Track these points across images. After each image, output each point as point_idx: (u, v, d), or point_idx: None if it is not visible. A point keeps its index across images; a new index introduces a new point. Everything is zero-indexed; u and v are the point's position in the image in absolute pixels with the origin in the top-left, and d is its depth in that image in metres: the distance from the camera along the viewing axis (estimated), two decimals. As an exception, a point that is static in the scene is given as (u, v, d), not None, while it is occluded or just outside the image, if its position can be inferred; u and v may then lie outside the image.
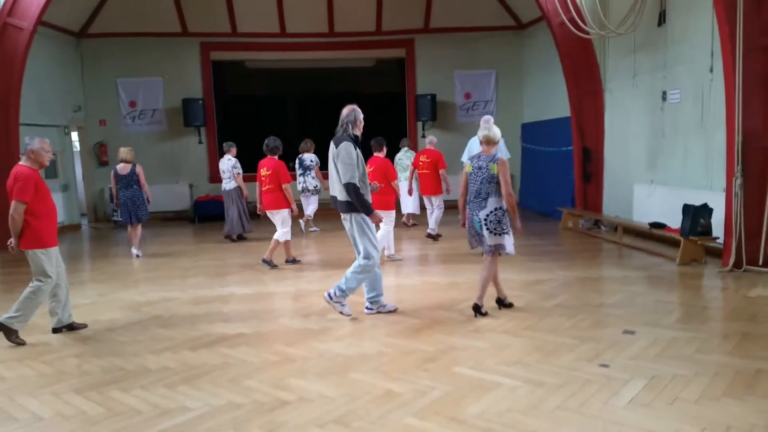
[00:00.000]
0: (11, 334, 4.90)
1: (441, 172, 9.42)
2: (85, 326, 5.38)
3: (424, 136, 14.41)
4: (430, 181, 9.55)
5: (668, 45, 8.65)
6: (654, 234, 8.45)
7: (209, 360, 4.46)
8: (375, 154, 8.13)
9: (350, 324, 5.25)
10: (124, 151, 9.13)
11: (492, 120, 8.24)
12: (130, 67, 13.76)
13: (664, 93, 8.81)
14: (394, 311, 5.51)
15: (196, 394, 3.83)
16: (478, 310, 5.28)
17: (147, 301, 6.35)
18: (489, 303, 5.47)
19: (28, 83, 10.50)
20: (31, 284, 4.99)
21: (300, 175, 10.73)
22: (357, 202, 5.12)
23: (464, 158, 8.25)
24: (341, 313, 5.31)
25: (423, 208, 10.24)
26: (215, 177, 12.80)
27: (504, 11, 13.83)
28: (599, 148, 10.62)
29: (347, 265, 5.67)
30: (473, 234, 5.38)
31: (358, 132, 5.27)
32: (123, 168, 9.04)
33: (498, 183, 5.12)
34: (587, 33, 9.18)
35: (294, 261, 8.05)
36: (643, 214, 9.11)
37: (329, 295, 5.28)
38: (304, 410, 3.54)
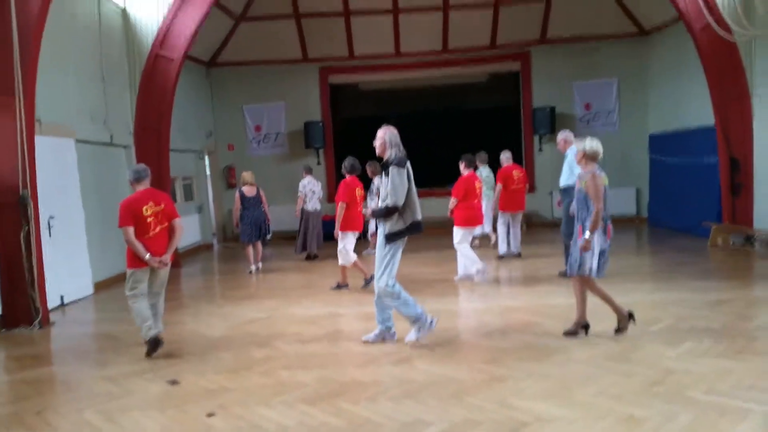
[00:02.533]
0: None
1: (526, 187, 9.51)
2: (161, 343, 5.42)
3: (541, 150, 14.21)
4: (522, 197, 9.42)
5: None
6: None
7: (415, 376, 4.49)
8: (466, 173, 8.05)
9: (545, 342, 5.14)
10: (248, 175, 9.67)
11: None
12: (254, 93, 14.45)
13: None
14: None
15: (425, 409, 3.85)
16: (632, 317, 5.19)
17: (317, 315, 6.52)
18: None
19: (170, 111, 11.27)
20: (163, 294, 5.58)
21: (371, 200, 10.29)
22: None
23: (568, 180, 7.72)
24: (425, 332, 5.19)
25: None
26: (333, 197, 13.17)
27: (625, 17, 13.37)
28: (748, 157, 9.97)
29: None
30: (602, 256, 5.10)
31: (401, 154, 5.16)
32: (249, 190, 9.47)
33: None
34: (732, 34, 8.69)
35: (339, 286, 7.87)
36: (810, 228, 8.45)
37: (410, 340, 5.22)
38: (551, 430, 3.46)
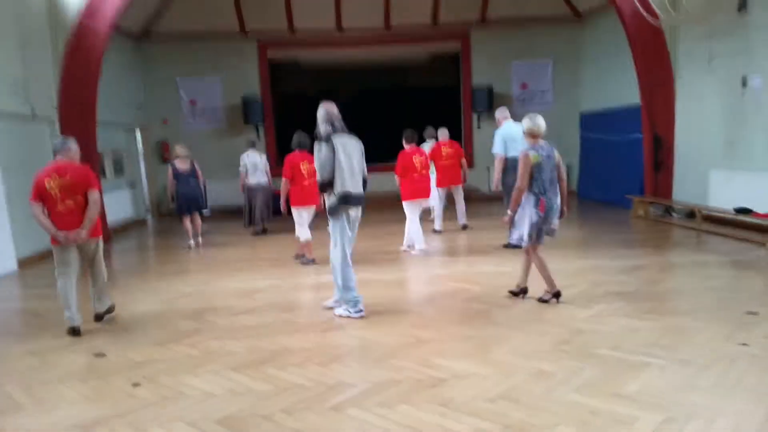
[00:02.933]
0: None
1: (463, 161, 9.68)
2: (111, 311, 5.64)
3: (479, 127, 14.51)
4: (455, 172, 9.63)
5: (749, 31, 8.54)
6: (735, 220, 8.37)
7: (345, 342, 4.62)
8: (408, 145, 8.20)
9: (470, 306, 5.36)
10: (181, 149, 9.54)
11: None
12: (189, 66, 14.07)
13: (744, 78, 8.71)
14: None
15: (350, 372, 3.99)
16: (558, 296, 5.36)
17: (255, 288, 6.54)
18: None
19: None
20: (102, 269, 5.45)
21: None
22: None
23: (500, 150, 8.07)
24: (346, 314, 5.27)
25: None
26: (273, 173, 13.08)
27: (561, 1, 13.75)
28: (670, 135, 10.54)
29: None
30: (549, 222, 5.34)
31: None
32: (182, 163, 9.40)
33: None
34: (659, 20, 9.10)
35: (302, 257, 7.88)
36: (720, 200, 9.04)
37: (339, 314, 5.29)
38: (464, 386, 3.66)
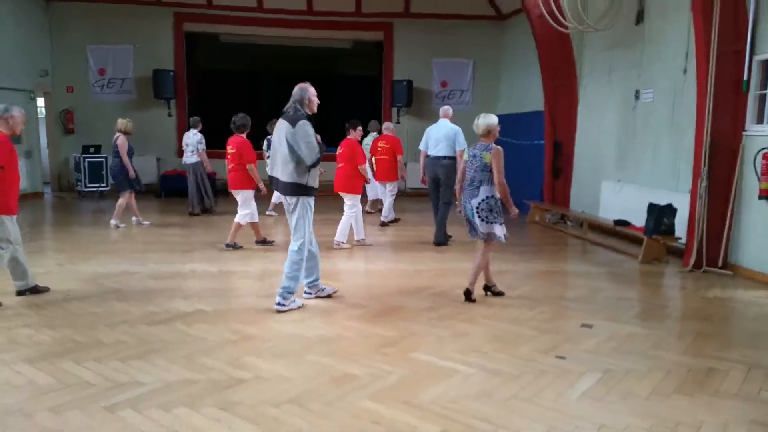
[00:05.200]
0: None
1: (399, 158, 9.59)
2: (47, 290, 5.41)
3: (398, 122, 14.40)
4: (387, 167, 9.59)
5: (645, 44, 8.72)
6: (618, 231, 8.58)
7: (165, 336, 4.37)
8: (348, 136, 8.05)
9: (312, 306, 5.21)
10: (129, 123, 9.25)
11: (451, 110, 8.34)
12: (100, 33, 13.35)
13: (637, 92, 8.90)
14: (333, 294, 5.44)
15: (150, 369, 3.75)
16: (468, 295, 5.36)
17: (107, 273, 6.21)
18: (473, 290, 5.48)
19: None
20: None
21: (269, 157, 10.53)
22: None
23: (422, 146, 8.19)
24: (297, 308, 5.10)
25: None
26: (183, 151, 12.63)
27: (485, 0, 13.77)
28: (570, 142, 10.71)
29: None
30: (467, 221, 5.41)
31: (309, 111, 4.99)
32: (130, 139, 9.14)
33: (491, 171, 5.17)
34: (565, 27, 9.20)
35: (265, 242, 7.86)
36: (609, 211, 9.24)
37: (280, 304, 4.98)
38: (259, 389, 3.49)
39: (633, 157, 9.07)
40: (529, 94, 12.40)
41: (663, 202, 7.44)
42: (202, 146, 10.11)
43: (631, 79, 9.06)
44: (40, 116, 13.39)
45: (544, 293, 5.88)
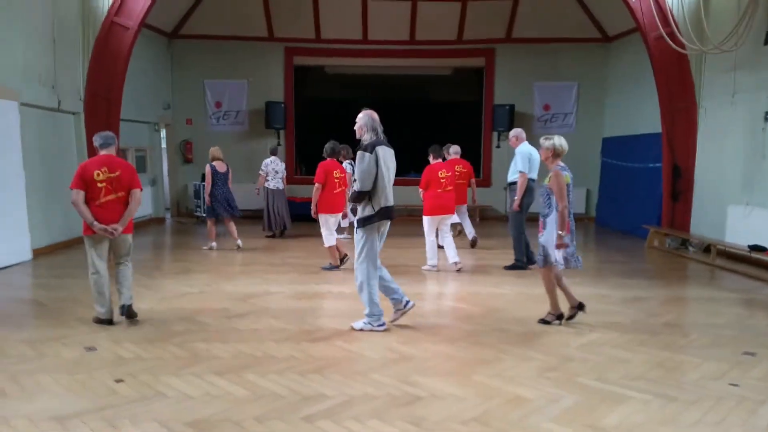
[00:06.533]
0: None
1: (472, 181, 9.77)
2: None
3: (498, 146, 14.44)
4: (464, 191, 9.52)
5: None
6: (751, 257, 8.17)
7: (330, 353, 4.61)
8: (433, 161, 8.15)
9: (461, 326, 5.31)
10: (217, 151, 9.71)
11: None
12: (217, 68, 14.30)
13: (767, 114, 8.52)
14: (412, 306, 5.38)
15: (329, 384, 3.97)
16: (580, 308, 5.38)
17: (251, 293, 6.59)
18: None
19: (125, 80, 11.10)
20: (129, 265, 5.47)
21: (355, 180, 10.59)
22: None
23: (524, 168, 7.83)
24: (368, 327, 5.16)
25: None
26: (291, 179, 13.29)
27: (590, 23, 13.65)
28: (690, 166, 10.33)
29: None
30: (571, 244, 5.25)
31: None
32: (220, 166, 9.49)
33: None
34: (685, 48, 8.98)
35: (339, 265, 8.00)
36: (737, 236, 8.82)
37: (359, 327, 5.15)
38: (440, 406, 3.62)
39: (763, 180, 8.65)
40: (639, 117, 12.10)
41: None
42: (265, 171, 10.66)
43: (759, 101, 8.69)
44: (162, 146, 14.45)
45: (690, 320, 5.71)
